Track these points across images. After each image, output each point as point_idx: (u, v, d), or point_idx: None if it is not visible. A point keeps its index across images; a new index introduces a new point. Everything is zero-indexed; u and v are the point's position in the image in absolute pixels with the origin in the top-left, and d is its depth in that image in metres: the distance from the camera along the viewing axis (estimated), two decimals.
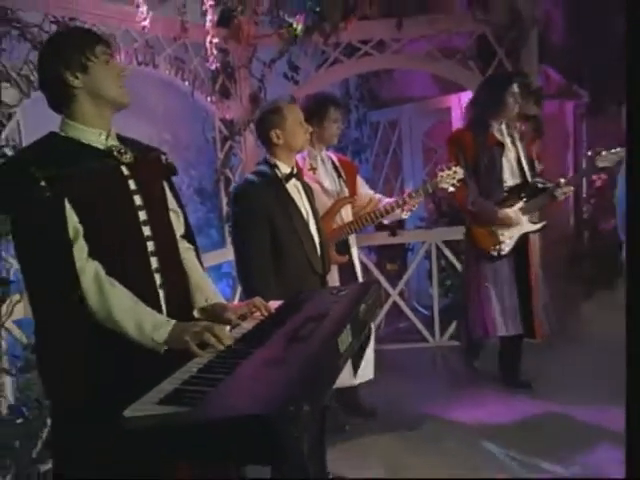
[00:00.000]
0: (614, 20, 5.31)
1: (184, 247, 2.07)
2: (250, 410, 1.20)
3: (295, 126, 2.80)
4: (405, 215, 3.66)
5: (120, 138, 1.94)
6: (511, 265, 3.96)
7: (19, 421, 2.85)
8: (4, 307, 2.80)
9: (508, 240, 3.88)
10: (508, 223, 3.83)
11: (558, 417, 3.67)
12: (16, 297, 2.86)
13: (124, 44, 3.55)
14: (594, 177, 5.92)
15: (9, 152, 3.03)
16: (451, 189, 3.55)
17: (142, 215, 1.86)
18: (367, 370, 3.52)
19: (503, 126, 3.93)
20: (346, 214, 3.52)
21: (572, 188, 3.82)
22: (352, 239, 3.58)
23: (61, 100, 1.84)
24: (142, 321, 1.73)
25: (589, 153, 3.79)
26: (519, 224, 3.86)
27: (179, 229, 2.06)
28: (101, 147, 1.84)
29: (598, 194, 5.92)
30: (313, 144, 3.46)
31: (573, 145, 6.05)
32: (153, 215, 1.90)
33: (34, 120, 3.23)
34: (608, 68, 4.92)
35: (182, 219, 2.09)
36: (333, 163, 3.61)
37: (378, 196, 3.72)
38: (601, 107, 5.46)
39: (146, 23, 3.48)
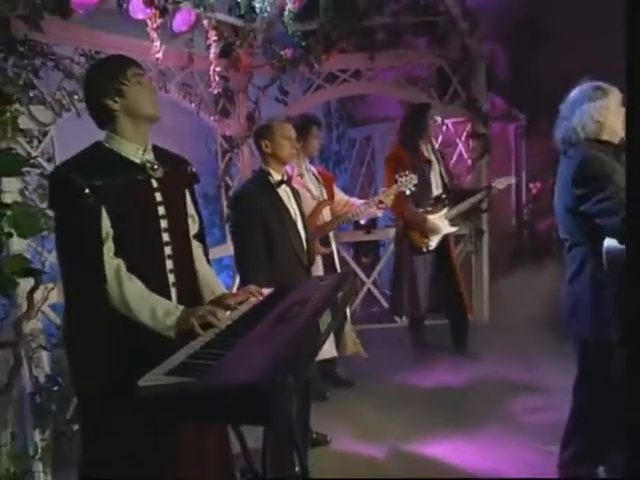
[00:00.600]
0: (545, 57, 5.37)
1: (195, 245, 2.06)
2: (244, 380, 1.19)
3: (282, 139, 2.78)
4: (379, 213, 3.74)
5: (155, 148, 1.92)
6: (435, 257, 4.18)
7: (55, 388, 2.85)
8: (39, 293, 2.78)
9: (434, 240, 4.10)
10: (432, 229, 4.05)
11: (495, 379, 3.76)
12: (50, 285, 2.83)
13: None
14: (531, 186, 5.99)
15: (43, 162, 3.01)
16: (408, 192, 3.63)
17: (163, 223, 1.85)
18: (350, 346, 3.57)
19: (429, 146, 4.15)
20: (326, 215, 3.54)
21: (481, 196, 4.16)
22: (332, 236, 3.60)
23: (105, 121, 1.81)
24: (155, 309, 1.71)
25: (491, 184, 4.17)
26: (443, 228, 4.09)
27: (193, 230, 2.04)
28: (137, 161, 1.81)
29: (535, 200, 5.98)
30: (298, 156, 3.47)
31: (515, 158, 6.11)
32: (172, 223, 1.88)
33: (65, 136, 3.22)
34: (540, 96, 4.97)
35: (197, 223, 2.07)
36: (313, 173, 3.63)
37: (353, 200, 3.76)
38: (535, 128, 5.55)
39: (159, 55, 3.44)
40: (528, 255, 5.49)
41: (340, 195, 3.76)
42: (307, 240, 2.87)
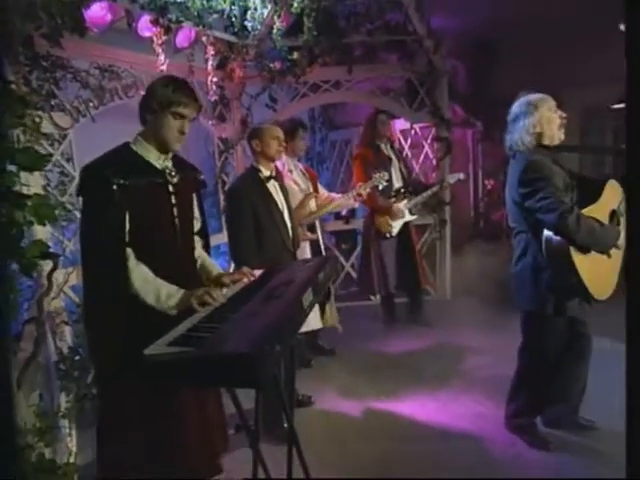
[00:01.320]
0: (499, 73, 5.39)
1: (196, 239, 2.06)
2: (237, 349, 1.20)
3: (270, 139, 2.77)
4: (356, 204, 3.84)
5: (174, 156, 1.89)
6: (398, 242, 4.22)
7: (77, 358, 2.84)
8: (61, 276, 2.76)
9: (396, 226, 4.15)
10: (398, 215, 4.10)
11: (454, 345, 3.83)
12: (70, 269, 2.82)
13: (148, 83, 3.47)
14: (486, 183, 6.01)
15: (63, 161, 2.97)
16: (381, 187, 3.71)
17: (176, 221, 1.85)
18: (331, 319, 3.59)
19: (387, 145, 4.20)
20: (312, 206, 3.54)
21: (435, 189, 4.23)
22: (318, 224, 3.60)
23: (144, 123, 1.81)
24: (159, 291, 1.71)
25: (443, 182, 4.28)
26: (403, 216, 4.15)
27: (196, 227, 2.05)
28: (159, 167, 1.80)
29: (489, 195, 6.01)
30: (290, 155, 3.51)
31: (472, 159, 6.13)
32: (182, 222, 1.88)
33: (82, 139, 3.19)
34: (494, 107, 4.99)
35: (200, 222, 2.07)
36: (301, 169, 3.63)
37: (333, 194, 3.79)
38: (489, 134, 5.59)
39: (164, 67, 3.39)
40: (484, 241, 5.53)
41: (322, 190, 3.78)
42: (292, 228, 2.87)
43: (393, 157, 4.20)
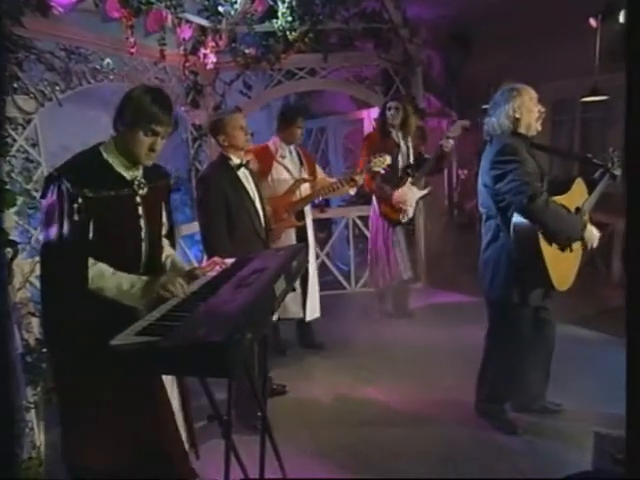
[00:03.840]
0: (473, 64, 5.44)
1: (165, 242, 2.02)
2: (207, 338, 1.18)
3: (235, 131, 2.69)
4: (352, 191, 3.60)
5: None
6: (405, 230, 4.04)
7: (44, 350, 2.77)
8: (27, 266, 2.68)
9: (410, 208, 3.93)
10: (404, 199, 3.88)
11: (422, 332, 3.81)
12: (37, 259, 2.73)
13: (117, 68, 3.36)
14: (459, 172, 6.07)
15: (28, 147, 2.87)
16: (382, 171, 3.48)
17: (142, 233, 1.80)
18: (316, 311, 3.59)
19: (400, 133, 3.99)
20: (304, 190, 3.46)
21: (451, 142, 3.76)
22: (306, 210, 3.51)
23: (116, 128, 1.72)
24: (120, 283, 1.66)
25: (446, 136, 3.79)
26: (413, 195, 3.91)
27: (164, 231, 2.00)
28: (128, 178, 1.74)
29: (462, 185, 6.08)
30: (285, 141, 3.43)
31: None
32: (150, 231, 1.83)
33: (47, 123, 3.08)
34: (468, 97, 5.04)
35: (167, 226, 2.02)
36: (299, 154, 3.54)
37: (330, 178, 3.66)
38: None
39: (133, 50, 3.29)
40: (457, 229, 5.61)
41: (321, 174, 3.66)
42: (264, 217, 2.83)
43: (402, 145, 4.00)
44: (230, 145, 2.71)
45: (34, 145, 2.90)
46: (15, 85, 2.77)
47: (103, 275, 1.66)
